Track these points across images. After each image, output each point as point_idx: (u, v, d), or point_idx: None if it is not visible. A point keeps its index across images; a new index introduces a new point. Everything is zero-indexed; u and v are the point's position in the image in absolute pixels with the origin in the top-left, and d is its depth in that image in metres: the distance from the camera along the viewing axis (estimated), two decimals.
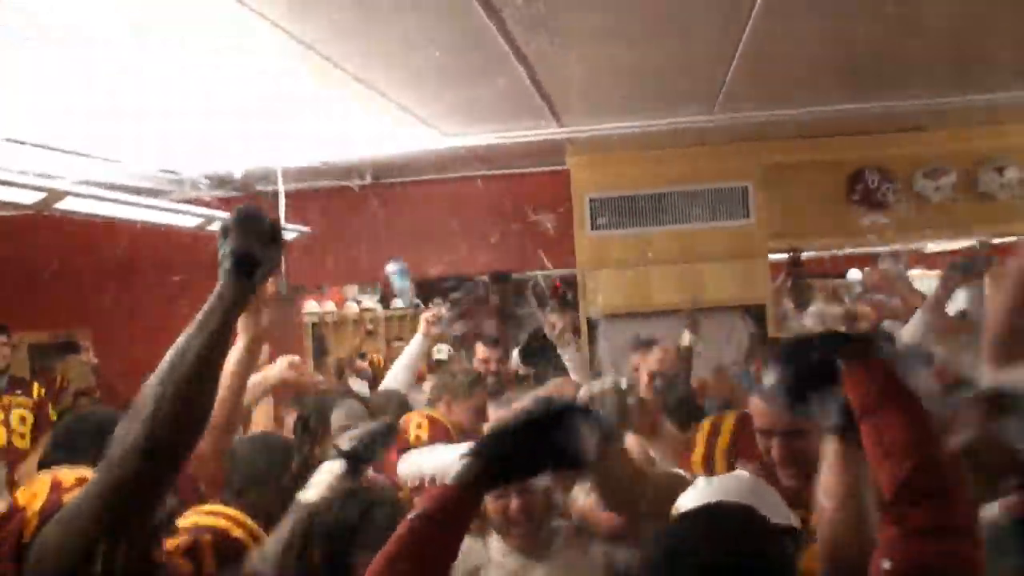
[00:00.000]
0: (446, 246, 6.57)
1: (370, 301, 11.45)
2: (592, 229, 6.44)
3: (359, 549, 2.25)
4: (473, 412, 4.29)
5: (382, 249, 6.77)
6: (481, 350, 5.14)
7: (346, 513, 2.36)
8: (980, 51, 4.34)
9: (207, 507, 2.45)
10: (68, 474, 1.87)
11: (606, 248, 6.45)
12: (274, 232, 1.85)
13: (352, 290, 11.00)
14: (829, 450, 1.85)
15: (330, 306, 10.22)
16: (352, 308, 10.87)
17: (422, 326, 5.01)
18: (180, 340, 1.72)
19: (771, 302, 6.52)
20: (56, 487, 1.81)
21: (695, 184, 6.37)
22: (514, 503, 2.61)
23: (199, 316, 1.74)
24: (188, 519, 2.33)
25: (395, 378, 4.91)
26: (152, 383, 1.68)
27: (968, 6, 3.61)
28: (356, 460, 2.44)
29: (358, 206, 6.74)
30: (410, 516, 1.67)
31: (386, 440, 2.58)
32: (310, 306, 9.54)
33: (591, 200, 6.46)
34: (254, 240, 1.81)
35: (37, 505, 1.77)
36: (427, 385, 5.29)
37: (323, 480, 2.41)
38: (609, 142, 5.87)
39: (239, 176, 5.78)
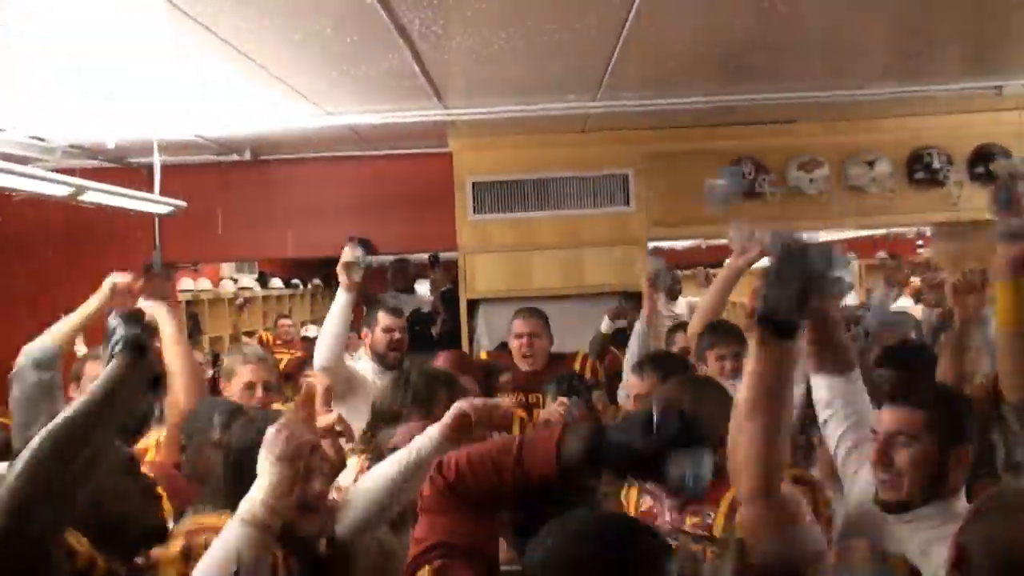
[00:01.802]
0: (325, 226, 6.48)
1: (248, 279, 11.28)
2: (474, 213, 6.44)
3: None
4: None
5: (258, 227, 6.66)
6: (384, 318, 4.63)
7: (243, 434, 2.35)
8: (851, 45, 4.48)
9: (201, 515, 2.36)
10: None
11: (488, 232, 6.47)
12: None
13: (228, 268, 10.82)
14: (754, 346, 1.88)
15: (205, 283, 10.02)
16: (228, 286, 10.68)
17: (343, 279, 4.32)
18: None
19: None
20: None
21: (577, 171, 6.44)
22: None
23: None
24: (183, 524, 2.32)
25: (326, 353, 4.28)
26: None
27: (840, 2, 3.72)
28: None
29: (235, 182, 6.61)
30: (516, 443, 1.84)
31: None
32: (184, 283, 9.34)
33: (474, 184, 6.46)
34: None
35: None
36: (363, 351, 5.00)
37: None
38: (492, 126, 5.88)
39: (112, 146, 5.60)
